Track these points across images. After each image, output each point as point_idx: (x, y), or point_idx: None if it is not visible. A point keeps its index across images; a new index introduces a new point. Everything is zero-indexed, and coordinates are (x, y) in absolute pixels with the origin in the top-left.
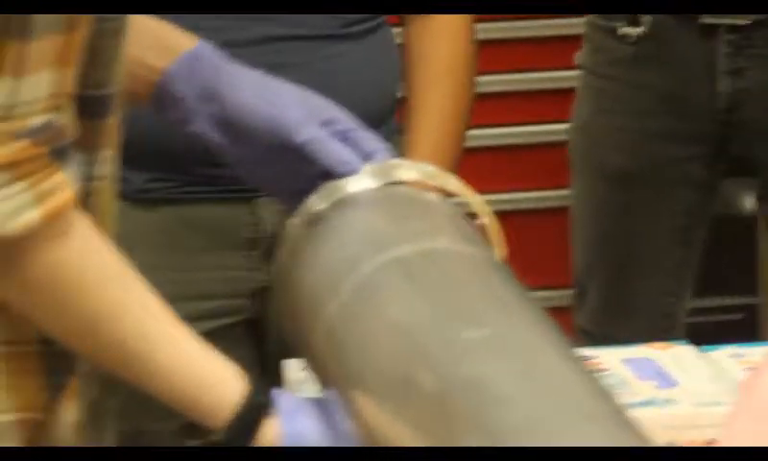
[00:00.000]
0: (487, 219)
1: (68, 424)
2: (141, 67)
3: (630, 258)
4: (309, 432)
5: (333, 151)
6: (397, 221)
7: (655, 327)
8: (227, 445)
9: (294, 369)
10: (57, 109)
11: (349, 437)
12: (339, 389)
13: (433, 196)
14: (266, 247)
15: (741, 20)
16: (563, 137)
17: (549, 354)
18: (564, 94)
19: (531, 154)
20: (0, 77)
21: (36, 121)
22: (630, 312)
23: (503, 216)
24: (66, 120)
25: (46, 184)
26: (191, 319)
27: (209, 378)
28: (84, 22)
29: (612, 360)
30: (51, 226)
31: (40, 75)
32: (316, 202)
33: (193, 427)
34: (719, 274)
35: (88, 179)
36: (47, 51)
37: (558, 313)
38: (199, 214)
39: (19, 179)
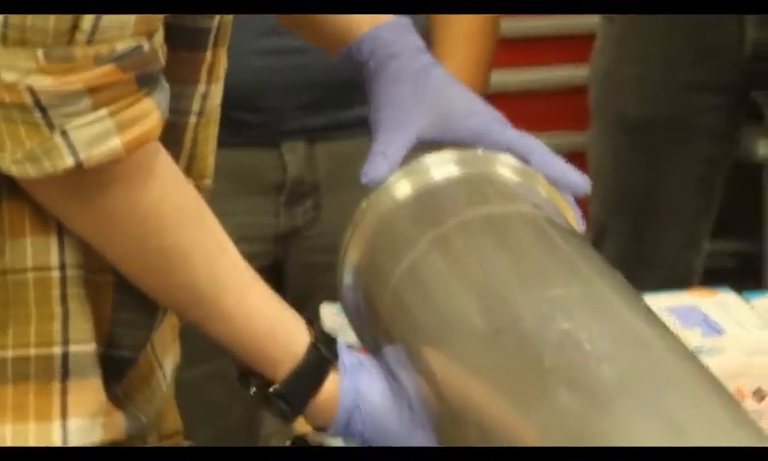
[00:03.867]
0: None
1: (167, 371)
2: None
3: (649, 208)
4: (369, 390)
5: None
6: (477, 193)
7: (673, 277)
8: (285, 396)
9: (329, 314)
10: (147, 34)
11: (411, 397)
12: (408, 346)
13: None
14: (290, 191)
15: None
16: (583, 81)
17: (635, 315)
18: (588, 38)
19: (551, 97)
20: None
21: (123, 46)
22: (648, 262)
23: None
24: (157, 46)
25: (130, 112)
26: None
27: (275, 328)
28: None
29: (654, 308)
30: (133, 156)
31: None
32: (401, 185)
33: (249, 375)
34: (725, 219)
35: (180, 113)
36: None
37: None
38: (224, 159)
39: (102, 105)
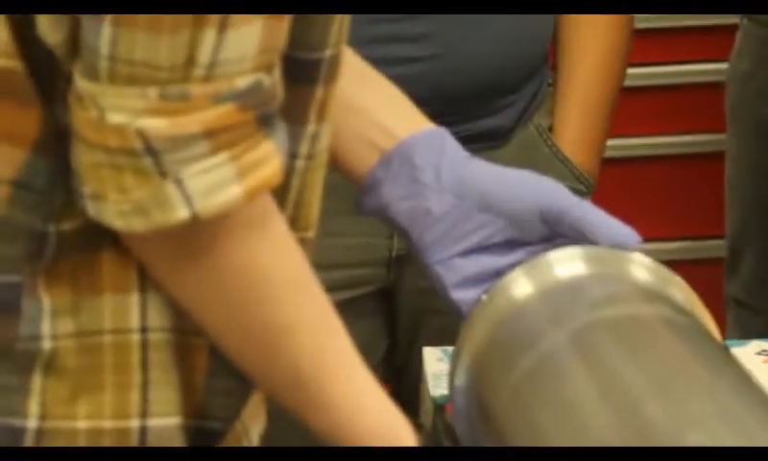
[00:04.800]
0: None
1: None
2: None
3: None
4: None
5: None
6: (609, 292)
7: None
8: None
9: (432, 359)
10: (267, 68)
11: None
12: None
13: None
14: None
15: None
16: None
17: None
18: (726, 32)
19: (689, 94)
20: (202, 29)
21: (244, 82)
22: None
23: (659, 160)
24: (276, 81)
25: (251, 156)
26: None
27: (381, 427)
28: None
29: None
30: (250, 208)
31: (250, 27)
32: (521, 283)
33: None
34: None
35: (287, 155)
36: None
37: (712, 267)
38: (338, 177)
39: (221, 149)
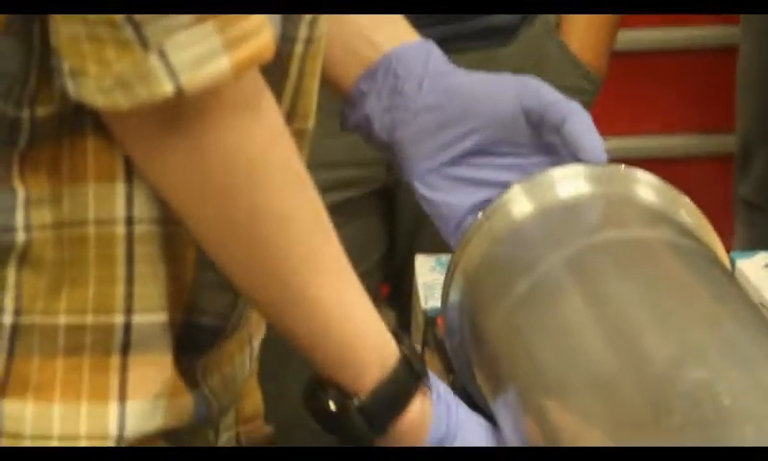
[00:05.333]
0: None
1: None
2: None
3: None
4: (469, 421)
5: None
6: (612, 214)
7: None
8: (368, 411)
9: (425, 268)
10: None
11: (508, 433)
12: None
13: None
14: None
15: None
16: None
17: None
18: None
19: None
20: None
21: None
22: None
23: (670, 54)
24: None
25: (239, 26)
26: (319, 190)
27: (368, 329)
28: None
29: None
30: (239, 86)
31: None
32: (520, 202)
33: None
34: None
35: (285, 39)
36: None
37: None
38: None
39: (206, 18)
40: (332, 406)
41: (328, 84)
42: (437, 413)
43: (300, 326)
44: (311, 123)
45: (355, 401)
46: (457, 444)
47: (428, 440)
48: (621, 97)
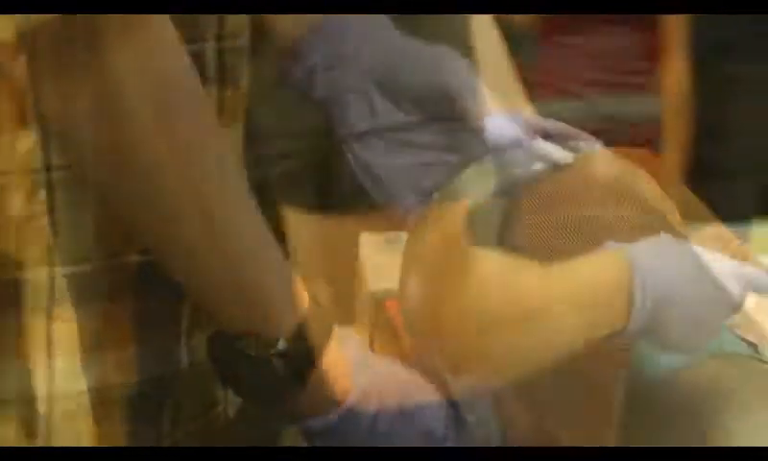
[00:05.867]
0: None
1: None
2: None
3: None
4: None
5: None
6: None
7: None
8: (289, 358)
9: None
10: None
11: None
12: None
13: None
14: None
15: None
16: None
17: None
18: None
19: None
20: None
21: None
22: None
23: None
24: None
25: None
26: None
27: (285, 270)
28: None
29: None
30: None
31: None
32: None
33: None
34: None
35: None
36: None
37: None
38: None
39: None
40: (252, 353)
41: (273, 37)
42: (357, 357)
43: (212, 264)
44: (244, 41)
45: (279, 346)
46: (387, 385)
47: (353, 384)
48: None
